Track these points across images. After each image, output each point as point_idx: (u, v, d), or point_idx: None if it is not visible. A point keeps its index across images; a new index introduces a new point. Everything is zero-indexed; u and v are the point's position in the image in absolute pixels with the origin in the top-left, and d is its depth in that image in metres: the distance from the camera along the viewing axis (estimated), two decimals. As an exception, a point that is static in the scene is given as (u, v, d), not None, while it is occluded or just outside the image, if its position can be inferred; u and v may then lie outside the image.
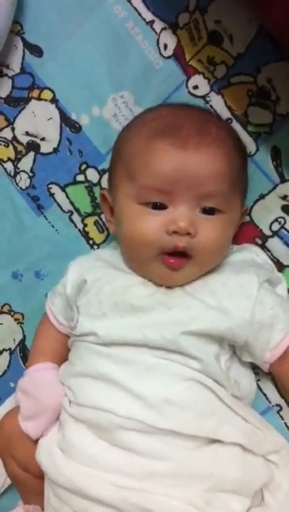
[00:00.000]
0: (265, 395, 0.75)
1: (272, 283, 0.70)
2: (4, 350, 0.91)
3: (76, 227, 0.86)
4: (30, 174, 0.88)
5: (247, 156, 0.74)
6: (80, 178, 0.85)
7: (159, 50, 0.79)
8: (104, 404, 0.64)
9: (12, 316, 0.90)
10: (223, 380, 0.65)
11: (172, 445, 0.62)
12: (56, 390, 0.70)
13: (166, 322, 0.65)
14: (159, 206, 0.65)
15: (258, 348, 0.67)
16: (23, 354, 0.90)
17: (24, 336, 0.90)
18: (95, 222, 0.85)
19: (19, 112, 0.87)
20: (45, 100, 0.86)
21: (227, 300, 0.66)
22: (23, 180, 0.88)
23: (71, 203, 0.86)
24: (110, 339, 0.66)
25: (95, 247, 0.85)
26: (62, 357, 0.75)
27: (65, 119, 0.85)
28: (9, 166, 0.89)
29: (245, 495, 0.64)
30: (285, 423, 0.74)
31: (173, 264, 0.65)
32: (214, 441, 0.64)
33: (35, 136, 0.87)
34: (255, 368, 0.73)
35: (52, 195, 0.87)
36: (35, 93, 0.86)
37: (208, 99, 0.77)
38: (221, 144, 0.66)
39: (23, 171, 0.88)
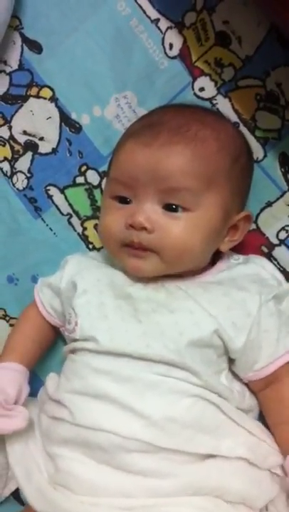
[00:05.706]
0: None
1: (279, 297, 0.68)
2: (-1, 356, 0.88)
3: (75, 230, 0.84)
4: (28, 175, 0.85)
5: (244, 160, 0.69)
6: (80, 180, 0.83)
7: (164, 49, 0.76)
8: (105, 424, 0.61)
9: (7, 322, 0.88)
10: (225, 393, 0.64)
11: (176, 462, 0.61)
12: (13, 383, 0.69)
13: (168, 328, 0.63)
14: (125, 201, 0.66)
15: (242, 364, 0.66)
16: (18, 360, 0.87)
17: (20, 342, 0.87)
18: (95, 226, 0.82)
19: (17, 110, 0.84)
20: (44, 98, 0.83)
21: (226, 313, 0.64)
22: (20, 181, 0.85)
23: (70, 205, 0.84)
24: (112, 347, 0.64)
25: (95, 251, 0.83)
26: (37, 350, 0.76)
27: (64, 119, 0.82)
28: (5, 165, 0.86)
29: (252, 507, 0.63)
30: None
31: (135, 252, 0.65)
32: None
33: (34, 136, 0.84)
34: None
35: (50, 197, 0.84)
36: (33, 91, 0.83)
37: (214, 101, 0.75)
38: (194, 143, 0.64)
39: (20, 172, 0.85)
